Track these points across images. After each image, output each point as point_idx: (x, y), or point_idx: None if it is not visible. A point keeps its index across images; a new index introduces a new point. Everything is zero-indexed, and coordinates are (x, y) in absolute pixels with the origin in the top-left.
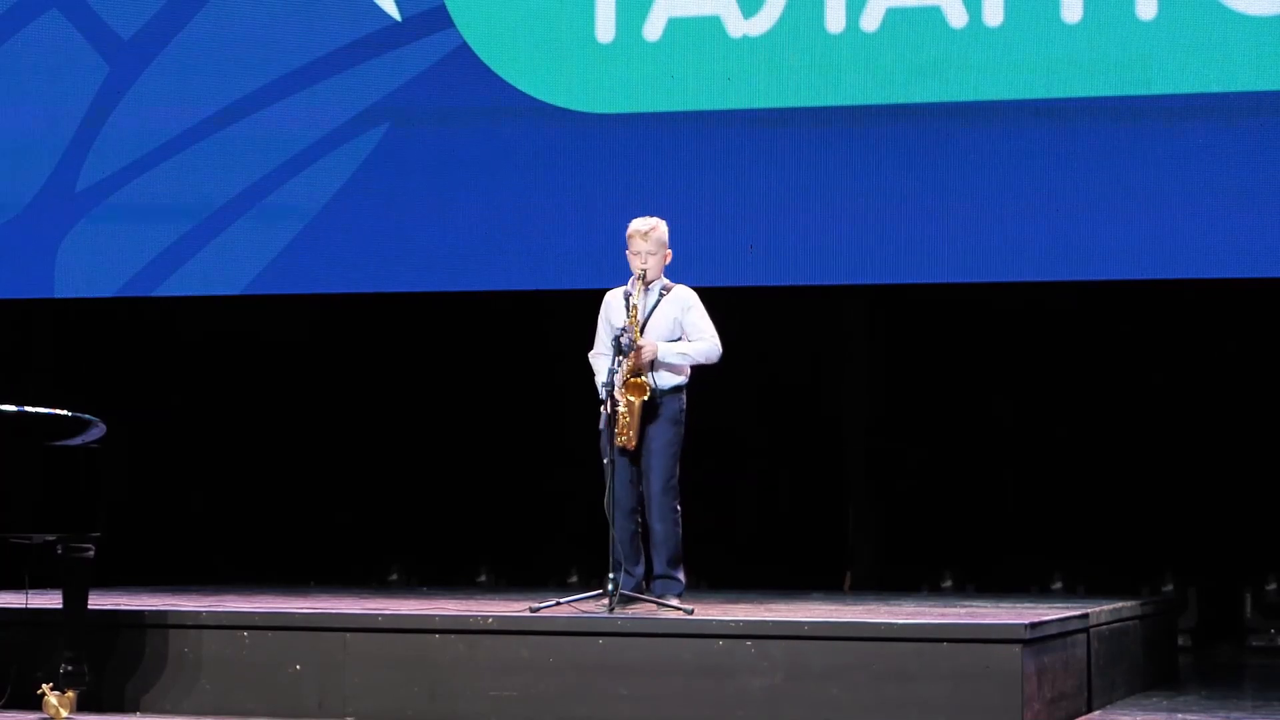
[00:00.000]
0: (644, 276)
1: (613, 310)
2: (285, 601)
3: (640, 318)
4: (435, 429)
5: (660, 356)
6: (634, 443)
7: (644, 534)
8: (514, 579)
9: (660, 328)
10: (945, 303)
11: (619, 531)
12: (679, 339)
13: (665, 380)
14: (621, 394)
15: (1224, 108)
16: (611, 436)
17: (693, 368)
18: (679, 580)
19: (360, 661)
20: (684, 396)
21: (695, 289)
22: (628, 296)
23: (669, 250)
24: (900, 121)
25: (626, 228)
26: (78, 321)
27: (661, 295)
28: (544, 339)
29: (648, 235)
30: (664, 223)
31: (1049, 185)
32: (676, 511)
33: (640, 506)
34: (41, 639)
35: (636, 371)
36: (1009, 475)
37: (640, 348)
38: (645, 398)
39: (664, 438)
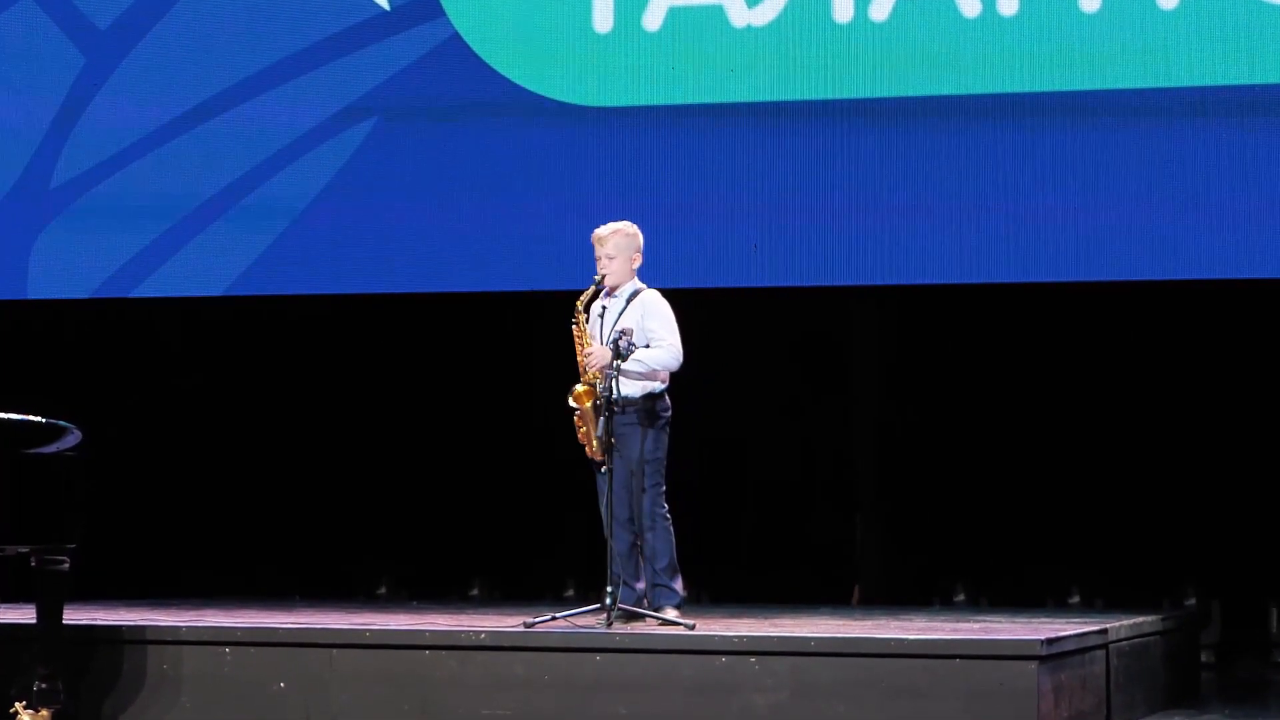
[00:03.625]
0: (600, 282)
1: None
2: (269, 616)
3: (604, 325)
4: (425, 436)
5: (615, 367)
6: (598, 453)
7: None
8: (508, 592)
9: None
10: (957, 304)
11: (616, 543)
12: (646, 345)
13: (632, 389)
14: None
15: (1248, 100)
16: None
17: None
18: (673, 590)
19: (347, 679)
20: (664, 400)
21: (696, 290)
22: (588, 304)
23: (637, 254)
24: (910, 115)
25: None
26: (52, 324)
27: (629, 302)
28: (540, 342)
29: (604, 240)
30: (629, 225)
31: (1064, 181)
32: (666, 519)
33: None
34: (15, 655)
35: (589, 380)
36: (1024, 484)
37: (589, 354)
38: (587, 405)
39: (645, 445)
